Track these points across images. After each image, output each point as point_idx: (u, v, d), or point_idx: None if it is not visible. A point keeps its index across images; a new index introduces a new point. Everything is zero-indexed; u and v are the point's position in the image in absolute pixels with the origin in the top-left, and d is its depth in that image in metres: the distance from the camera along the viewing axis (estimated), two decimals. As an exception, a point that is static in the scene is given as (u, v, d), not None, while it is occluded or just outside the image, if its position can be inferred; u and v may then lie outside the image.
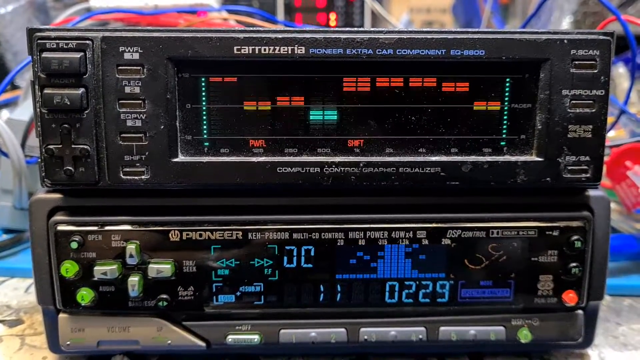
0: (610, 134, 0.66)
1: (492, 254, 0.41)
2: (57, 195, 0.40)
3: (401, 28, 0.92)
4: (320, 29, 0.37)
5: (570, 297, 0.41)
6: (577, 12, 1.07)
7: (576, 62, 0.37)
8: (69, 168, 0.37)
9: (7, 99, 0.84)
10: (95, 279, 0.39)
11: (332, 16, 1.18)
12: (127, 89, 0.37)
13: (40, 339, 0.46)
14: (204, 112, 0.38)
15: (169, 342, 0.41)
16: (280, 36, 0.37)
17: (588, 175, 0.38)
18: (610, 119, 0.47)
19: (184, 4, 0.80)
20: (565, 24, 1.08)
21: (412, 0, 1.85)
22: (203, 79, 0.38)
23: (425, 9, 1.85)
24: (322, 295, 0.41)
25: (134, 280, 0.39)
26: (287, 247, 0.40)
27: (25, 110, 0.65)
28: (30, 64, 0.56)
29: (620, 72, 0.74)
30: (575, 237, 0.40)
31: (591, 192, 0.41)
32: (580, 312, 0.42)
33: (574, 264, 0.40)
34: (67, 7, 1.30)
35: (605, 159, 0.50)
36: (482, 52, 0.37)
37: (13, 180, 0.58)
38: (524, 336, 0.41)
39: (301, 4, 1.18)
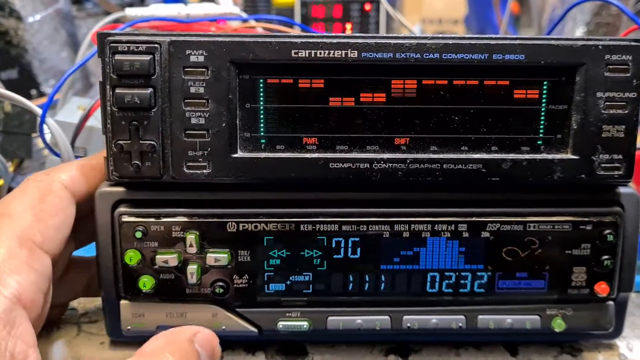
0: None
1: (528, 246, 0.43)
2: (121, 189, 0.42)
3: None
4: (371, 35, 0.40)
5: (602, 288, 0.43)
6: (590, 22, 1.10)
7: (610, 67, 0.40)
8: (137, 162, 0.40)
9: (39, 105, 0.87)
10: (157, 266, 0.42)
11: (348, 26, 1.21)
12: (192, 89, 0.39)
13: (95, 326, 0.49)
14: (262, 111, 0.41)
15: (223, 327, 0.43)
16: (334, 41, 0.39)
17: (620, 172, 0.41)
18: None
19: (214, 13, 0.83)
20: (579, 34, 1.11)
21: (424, 11, 1.88)
22: (262, 81, 0.40)
23: (437, 20, 1.89)
24: (367, 284, 0.44)
25: (192, 268, 0.42)
26: (336, 239, 0.43)
27: (67, 113, 0.68)
28: (74, 69, 0.59)
29: None
30: (607, 231, 0.42)
31: (622, 189, 0.43)
32: (611, 302, 0.44)
33: (606, 257, 0.43)
34: (89, 16, 1.34)
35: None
36: (522, 57, 0.40)
37: (61, 178, 0.61)
38: (558, 325, 0.44)
39: (318, 14, 1.21)
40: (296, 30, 0.81)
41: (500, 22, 1.19)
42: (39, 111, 0.57)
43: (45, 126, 0.58)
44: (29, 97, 1.05)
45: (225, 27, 0.79)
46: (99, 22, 0.98)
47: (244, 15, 0.84)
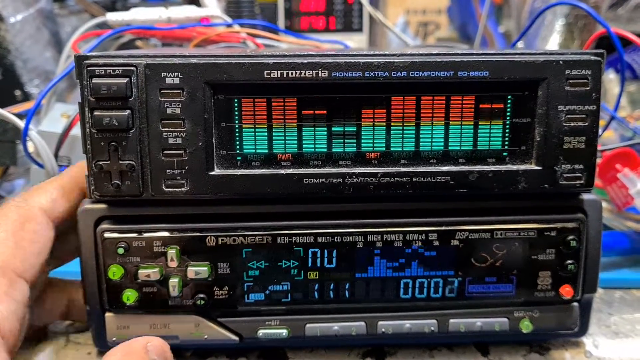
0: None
1: (496, 253, 0.45)
2: (103, 206, 0.44)
3: (413, 47, 0.96)
4: (341, 54, 0.41)
5: (566, 291, 0.45)
6: (569, 15, 1.11)
7: (570, 81, 0.41)
8: (116, 182, 0.41)
9: (22, 111, 0.87)
10: (139, 280, 0.43)
11: (331, 20, 1.22)
12: (169, 110, 0.41)
13: (83, 336, 0.50)
14: (237, 130, 0.42)
15: (206, 336, 0.45)
16: (305, 61, 0.41)
17: (582, 181, 0.43)
18: (601, 122, 0.52)
19: (196, 17, 0.83)
20: (558, 26, 1.12)
21: (408, 2, 1.89)
22: (236, 100, 0.42)
23: (421, 11, 1.90)
24: (343, 292, 0.45)
25: (174, 281, 0.43)
26: (312, 250, 0.44)
27: (51, 123, 0.69)
28: (58, 79, 0.60)
29: (610, 78, 0.79)
30: (570, 237, 0.44)
31: (585, 196, 0.45)
32: (575, 304, 0.46)
33: (570, 261, 0.45)
34: (72, 14, 1.34)
35: (597, 161, 0.54)
36: (486, 73, 0.41)
37: (46, 188, 0.62)
38: (525, 327, 0.46)
39: (301, 7, 1.22)
40: (281, 37, 0.82)
41: (480, 16, 1.20)
42: (22, 125, 0.58)
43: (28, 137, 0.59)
44: (14, 98, 1.06)
45: (208, 31, 0.80)
46: (82, 20, 0.98)
47: (228, 19, 0.84)
